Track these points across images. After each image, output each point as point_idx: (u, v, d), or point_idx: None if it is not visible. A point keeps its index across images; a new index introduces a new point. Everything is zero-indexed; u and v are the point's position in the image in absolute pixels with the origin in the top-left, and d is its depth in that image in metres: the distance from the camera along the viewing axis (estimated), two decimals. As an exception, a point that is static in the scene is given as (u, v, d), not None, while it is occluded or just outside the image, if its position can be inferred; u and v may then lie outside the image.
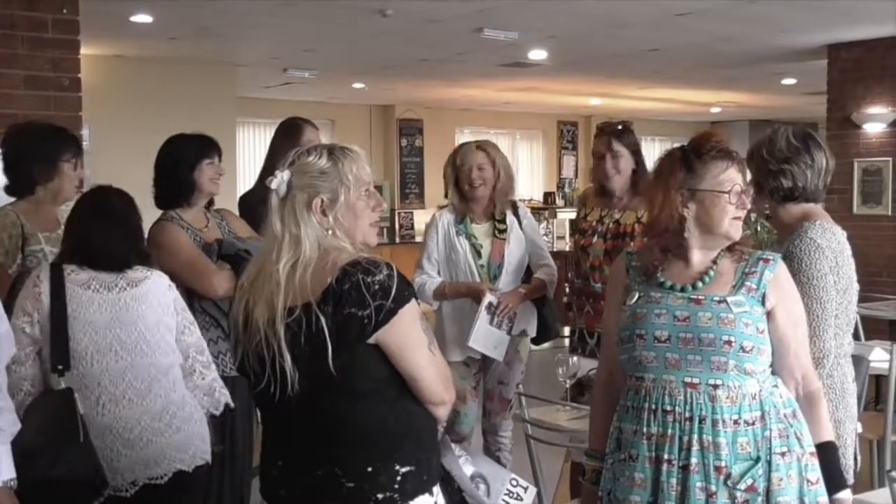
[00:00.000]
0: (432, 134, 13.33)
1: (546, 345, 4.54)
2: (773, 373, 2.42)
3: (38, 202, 3.38)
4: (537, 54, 8.77)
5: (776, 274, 2.42)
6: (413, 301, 2.13)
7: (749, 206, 2.48)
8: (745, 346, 2.33)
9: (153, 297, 2.97)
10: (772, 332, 2.39)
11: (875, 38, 8.06)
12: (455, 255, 4.19)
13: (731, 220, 2.43)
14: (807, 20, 7.46)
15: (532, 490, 2.59)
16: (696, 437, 2.33)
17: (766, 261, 2.44)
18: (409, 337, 2.13)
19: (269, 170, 4.18)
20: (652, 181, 2.54)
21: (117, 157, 7.20)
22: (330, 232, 2.15)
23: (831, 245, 2.96)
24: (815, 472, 2.36)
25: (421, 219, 12.04)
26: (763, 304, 2.39)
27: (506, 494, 2.45)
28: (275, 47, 8.51)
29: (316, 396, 2.10)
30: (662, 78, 10.62)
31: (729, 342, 2.33)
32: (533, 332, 4.27)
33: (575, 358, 3.73)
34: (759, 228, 7.80)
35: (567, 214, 11.63)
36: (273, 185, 2.16)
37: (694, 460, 2.32)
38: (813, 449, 2.38)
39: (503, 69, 9.62)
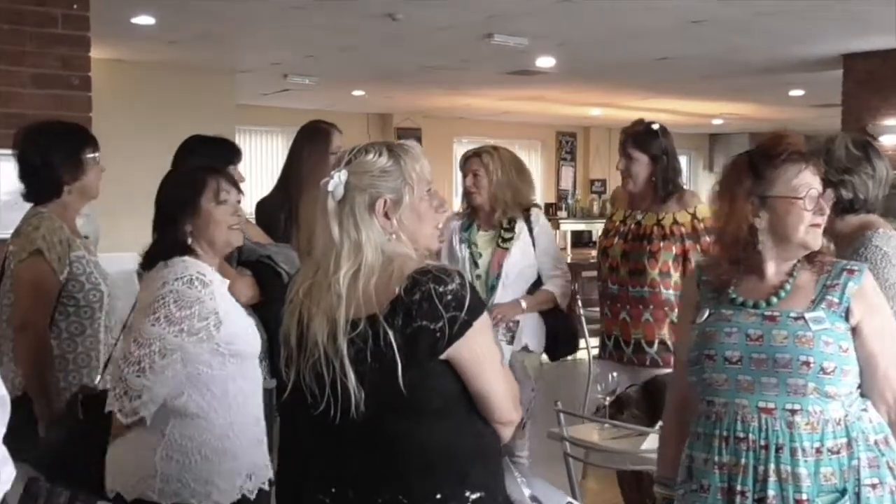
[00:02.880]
0: (430, 143, 13.12)
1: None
2: (861, 395, 2.22)
3: (66, 205, 3.19)
4: (545, 62, 8.64)
5: (861, 286, 2.21)
6: (486, 313, 1.94)
7: (828, 212, 2.30)
8: (825, 368, 2.13)
9: None
10: (858, 350, 2.18)
11: (892, 49, 7.95)
12: (454, 262, 4.01)
13: (809, 228, 2.23)
14: (823, 30, 7.35)
15: (592, 512, 2.44)
16: (772, 466, 2.13)
17: (851, 272, 2.22)
18: (482, 351, 1.93)
19: (290, 176, 4.02)
20: (718, 191, 2.35)
21: (117, 162, 6.98)
22: (393, 236, 1.96)
23: None
24: None
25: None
26: (847, 319, 2.19)
27: (562, 518, 2.30)
28: (276, 53, 8.35)
29: (381, 417, 1.89)
30: (668, 88, 10.50)
31: (807, 363, 2.13)
32: (538, 348, 4.06)
33: (615, 373, 3.54)
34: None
35: (570, 226, 11.49)
36: (329, 187, 1.94)
37: (771, 492, 2.13)
38: None
39: (508, 77, 9.49)
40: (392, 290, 1.87)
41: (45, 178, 3.14)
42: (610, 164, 14.89)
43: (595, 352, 4.55)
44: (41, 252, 3.04)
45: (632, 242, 3.86)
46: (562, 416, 3.40)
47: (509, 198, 4.03)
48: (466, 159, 4.13)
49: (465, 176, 4.11)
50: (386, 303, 1.87)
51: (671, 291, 3.73)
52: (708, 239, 3.73)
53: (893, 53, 8.00)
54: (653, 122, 3.89)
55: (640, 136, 3.83)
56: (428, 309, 1.85)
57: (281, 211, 3.91)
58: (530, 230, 4.03)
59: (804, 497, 2.11)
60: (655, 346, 3.76)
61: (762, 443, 2.15)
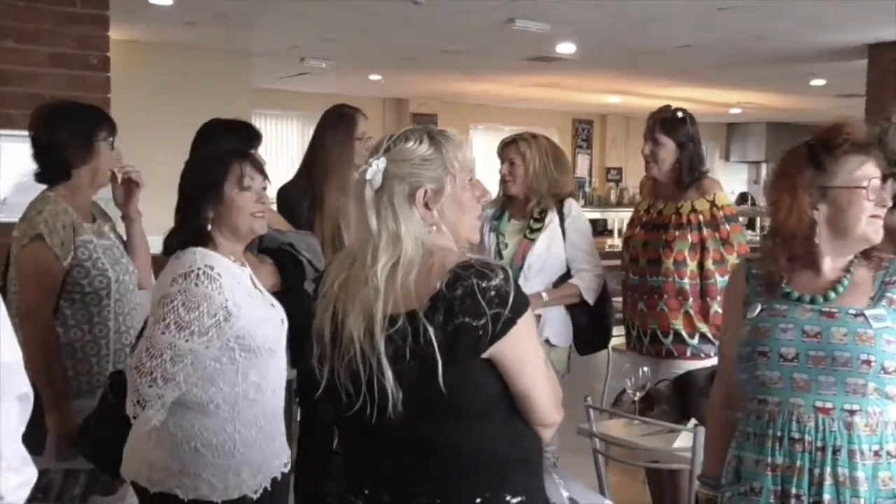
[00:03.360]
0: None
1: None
2: None
3: (75, 188, 3.08)
4: (565, 48, 8.51)
5: None
6: (529, 310, 1.85)
7: (890, 203, 2.21)
8: (886, 367, 2.05)
9: None
10: None
11: (919, 39, 7.81)
12: (482, 251, 3.92)
13: (870, 220, 2.15)
14: (849, 18, 7.21)
15: (630, 514, 2.36)
16: (829, 469, 2.06)
17: None
18: (526, 350, 1.85)
19: (314, 162, 3.92)
20: (775, 182, 2.26)
21: (133, 144, 6.92)
22: (433, 228, 1.87)
23: None
24: None
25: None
26: None
27: (600, 521, 2.23)
28: (294, 35, 8.23)
29: (419, 417, 1.81)
30: (688, 76, 10.37)
31: (868, 362, 2.05)
32: (562, 342, 3.95)
33: (646, 368, 3.46)
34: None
35: (587, 214, 11.32)
36: (367, 176, 1.85)
37: (827, 496, 2.05)
38: None
39: (527, 63, 9.38)
40: (433, 285, 1.79)
41: (54, 159, 3.03)
42: (626, 152, 14.86)
43: (615, 342, 4.48)
44: (42, 237, 2.94)
45: (651, 232, 3.82)
46: (591, 411, 3.31)
47: (545, 188, 3.93)
48: (504, 146, 4.03)
49: (501, 163, 4.02)
50: (426, 298, 1.78)
51: (686, 281, 3.69)
52: (727, 227, 3.68)
53: (921, 43, 7.87)
54: (679, 109, 3.82)
55: (667, 122, 3.77)
56: (470, 305, 1.76)
57: (304, 198, 3.82)
58: (562, 221, 3.93)
59: (861, 501, 2.04)
60: (671, 336, 3.71)
61: (819, 444, 2.08)
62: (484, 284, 1.77)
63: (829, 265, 2.19)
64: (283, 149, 11.82)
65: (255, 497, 2.57)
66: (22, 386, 1.65)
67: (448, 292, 1.77)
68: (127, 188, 3.29)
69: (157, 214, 3.40)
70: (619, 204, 13.55)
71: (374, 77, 10.77)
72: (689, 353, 3.68)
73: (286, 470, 2.70)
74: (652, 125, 3.79)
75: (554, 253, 3.90)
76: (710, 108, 13.52)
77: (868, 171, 2.14)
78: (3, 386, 1.60)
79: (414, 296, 1.79)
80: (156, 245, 3.35)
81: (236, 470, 2.53)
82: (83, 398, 2.98)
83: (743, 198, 14.74)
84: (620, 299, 4.01)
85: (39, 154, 3.05)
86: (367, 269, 1.82)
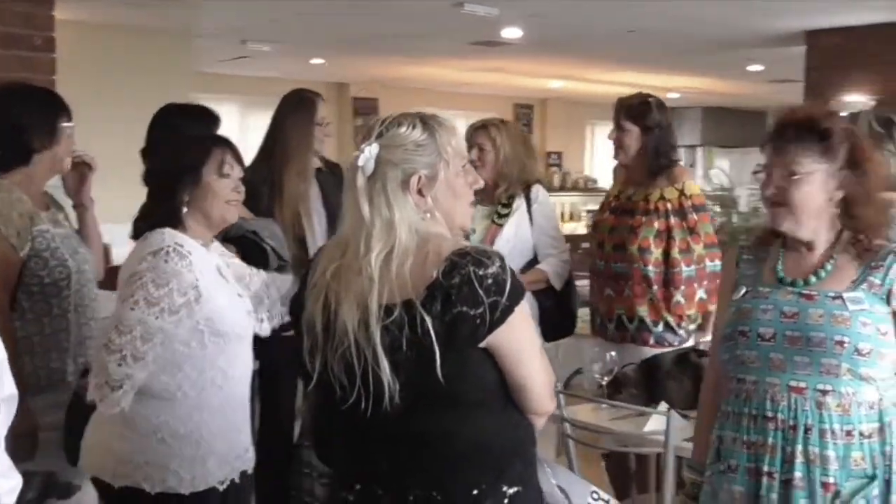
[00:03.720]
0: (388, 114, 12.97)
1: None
2: None
3: (32, 174, 2.96)
4: (512, 32, 8.49)
5: None
6: (525, 298, 1.83)
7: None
8: (860, 349, 2.08)
9: None
10: None
11: (856, 25, 7.95)
12: None
13: None
14: (788, 5, 7.33)
15: (614, 503, 2.37)
16: (800, 448, 2.09)
17: None
18: (523, 339, 1.84)
19: (273, 148, 3.85)
20: None
21: (79, 129, 6.75)
22: (427, 215, 1.84)
23: None
24: None
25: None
26: (888, 302, 2.13)
27: (589, 509, 2.23)
28: (237, 16, 8.07)
29: (416, 409, 1.79)
30: (630, 61, 10.43)
31: (841, 343, 2.08)
32: None
33: (613, 353, 3.47)
34: (734, 219, 7.67)
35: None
36: (360, 162, 1.82)
37: (798, 474, 2.08)
38: None
39: (472, 48, 9.33)
40: (429, 274, 1.76)
41: (14, 144, 2.91)
42: (567, 137, 14.92)
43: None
44: None
45: (619, 217, 3.83)
46: (562, 397, 3.31)
47: (515, 174, 3.93)
48: (474, 131, 4.00)
49: (469, 149, 3.98)
50: (422, 287, 1.76)
51: (651, 268, 3.71)
52: (695, 216, 3.71)
53: (856, 30, 8.00)
54: (649, 95, 3.83)
55: (632, 108, 3.78)
56: (468, 294, 1.74)
57: (264, 184, 3.75)
58: (529, 207, 3.93)
59: (831, 480, 2.07)
60: (635, 322, 3.73)
61: (791, 423, 2.11)
62: (481, 272, 1.75)
63: (817, 249, 2.22)
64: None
65: (221, 489, 2.52)
66: (8, 387, 1.59)
67: (445, 281, 1.75)
68: (80, 173, 3.19)
69: (100, 201, 3.31)
70: (563, 188, 13.64)
71: (317, 61, 10.64)
72: (652, 341, 3.72)
73: (252, 464, 2.66)
74: (618, 111, 3.80)
75: (521, 238, 3.90)
76: (650, 93, 13.64)
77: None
78: None
79: (410, 285, 1.76)
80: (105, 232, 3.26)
81: (203, 460, 2.48)
82: (43, 394, 2.87)
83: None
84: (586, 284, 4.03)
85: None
86: (360, 258, 1.79)
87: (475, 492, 1.81)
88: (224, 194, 2.57)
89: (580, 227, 12.53)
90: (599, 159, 15.91)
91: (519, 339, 1.82)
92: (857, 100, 7.98)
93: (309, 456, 3.35)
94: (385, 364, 1.75)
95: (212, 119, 3.46)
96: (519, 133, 4.03)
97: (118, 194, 3.47)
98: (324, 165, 3.99)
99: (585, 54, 9.86)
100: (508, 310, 1.77)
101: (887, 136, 2.85)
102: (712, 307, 3.67)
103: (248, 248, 3.23)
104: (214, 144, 2.60)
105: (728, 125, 14.88)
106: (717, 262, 3.75)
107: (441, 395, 1.77)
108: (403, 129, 1.85)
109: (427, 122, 1.87)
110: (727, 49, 9.33)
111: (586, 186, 14.47)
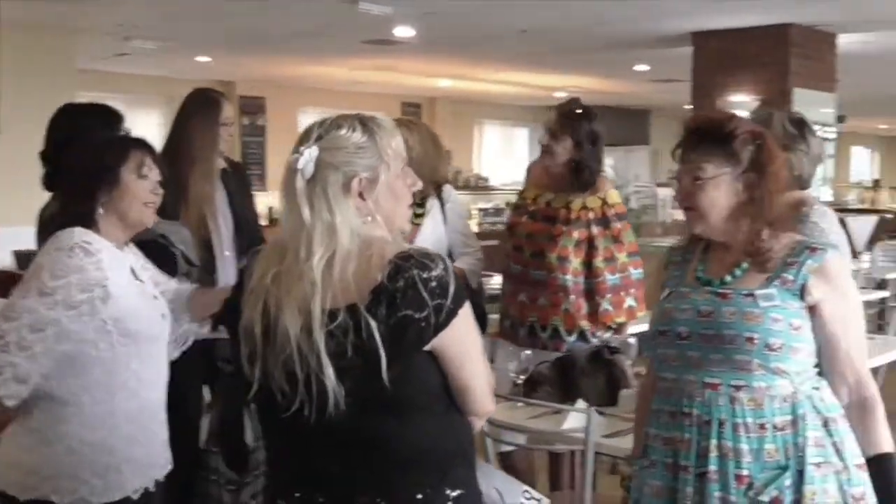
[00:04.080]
0: (275, 113, 12.79)
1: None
2: (820, 375, 2.22)
3: None
4: (405, 31, 8.48)
5: (822, 264, 2.17)
6: (467, 300, 1.82)
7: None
8: (771, 344, 2.12)
9: None
10: (817, 330, 2.17)
11: (739, 28, 8.23)
12: None
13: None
14: (676, 7, 7.54)
15: (546, 501, 2.39)
16: (714, 442, 2.13)
17: (813, 250, 2.19)
18: (467, 341, 1.83)
19: (176, 149, 3.73)
20: None
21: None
22: (369, 218, 1.80)
23: (833, 229, 2.84)
24: (859, 487, 2.14)
25: (261, 200, 11.48)
26: (802, 297, 2.16)
27: (522, 508, 2.24)
28: (121, 12, 7.80)
29: (361, 415, 1.74)
30: (520, 61, 10.57)
31: (751, 339, 2.12)
32: None
33: (528, 351, 3.48)
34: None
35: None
36: (299, 165, 1.76)
37: (712, 467, 2.13)
38: (860, 461, 2.16)
39: (364, 46, 9.28)
40: (373, 277, 1.73)
41: None
42: (456, 135, 14.99)
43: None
44: None
45: (539, 223, 3.77)
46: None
47: (427, 174, 3.88)
48: None
49: None
50: (367, 291, 1.72)
51: (569, 277, 3.67)
52: (618, 225, 3.70)
53: (741, 32, 8.29)
54: (583, 105, 3.73)
55: (567, 117, 3.69)
56: (412, 297, 1.71)
57: (167, 186, 3.63)
58: (442, 206, 3.90)
59: (745, 472, 2.11)
60: (548, 331, 3.71)
61: (705, 418, 2.15)
62: (425, 275, 1.72)
63: (734, 248, 2.25)
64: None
65: (135, 497, 2.44)
66: None
67: (390, 284, 1.71)
68: None
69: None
70: (455, 187, 13.65)
71: (203, 59, 10.40)
72: (564, 350, 3.68)
73: (167, 471, 2.58)
74: (553, 117, 3.70)
75: (438, 238, 3.87)
76: (536, 92, 13.83)
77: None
78: None
79: (353, 289, 1.72)
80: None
81: (117, 468, 2.39)
82: None
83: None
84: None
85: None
86: (301, 262, 1.74)
87: (419, 496, 1.78)
88: (142, 196, 2.48)
89: (472, 226, 12.60)
90: (488, 158, 16.08)
91: (463, 341, 1.80)
92: (741, 100, 8.26)
93: (216, 462, 3.27)
94: (330, 370, 1.70)
95: (117, 118, 3.33)
96: (429, 133, 3.98)
97: None
98: (228, 165, 3.89)
99: (476, 53, 9.93)
100: (453, 312, 1.75)
101: (800, 137, 2.92)
102: (641, 314, 3.74)
103: (156, 252, 3.12)
104: (133, 146, 2.51)
105: (613, 124, 15.18)
106: (640, 270, 3.75)
107: (386, 400, 1.73)
108: (343, 131, 1.81)
109: (367, 124, 1.83)
110: (616, 49, 9.54)
111: (477, 185, 14.57)
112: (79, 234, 2.36)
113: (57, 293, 2.26)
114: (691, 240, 2.35)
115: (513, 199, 13.42)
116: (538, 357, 3.62)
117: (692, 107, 8.72)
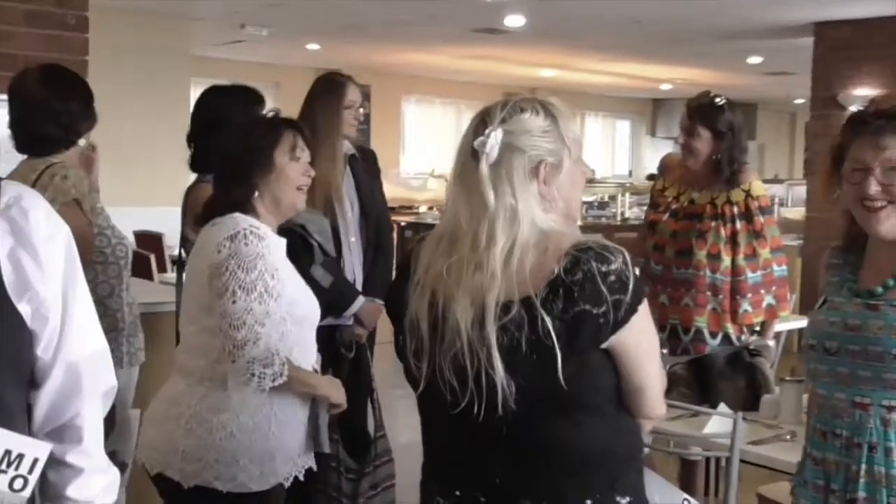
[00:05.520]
0: (379, 101, 12.80)
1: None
2: None
3: (77, 156, 2.99)
4: (515, 20, 8.37)
5: None
6: (646, 297, 1.72)
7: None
8: None
9: None
10: None
11: (864, 18, 7.90)
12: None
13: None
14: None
15: (704, 509, 2.27)
16: (864, 466, 1.97)
17: None
18: (645, 340, 1.73)
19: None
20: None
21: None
22: (550, 205, 1.72)
23: None
24: None
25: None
26: None
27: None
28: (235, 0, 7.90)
29: (533, 415, 1.66)
30: (627, 52, 10.36)
31: None
32: None
33: (664, 350, 3.36)
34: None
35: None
36: (487, 148, 1.68)
37: (862, 494, 1.97)
38: None
39: (471, 35, 9.21)
40: (549, 269, 1.63)
41: (66, 126, 2.86)
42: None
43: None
44: (79, 203, 2.78)
45: (683, 221, 3.60)
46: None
47: None
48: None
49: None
50: (542, 283, 1.63)
51: (718, 276, 3.49)
52: (761, 219, 3.49)
53: (865, 22, 7.95)
54: (718, 95, 3.57)
55: (704, 110, 3.53)
56: (591, 291, 1.61)
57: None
58: None
59: None
60: (691, 334, 3.52)
61: (855, 440, 2.00)
62: (604, 268, 1.63)
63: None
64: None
65: (286, 485, 2.43)
66: (109, 379, 1.50)
67: (567, 277, 1.62)
68: (86, 157, 3.11)
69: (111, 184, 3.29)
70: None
71: (312, 46, 10.47)
72: (706, 353, 3.50)
73: (311, 459, 2.54)
74: (688, 113, 3.55)
75: None
76: (641, 84, 13.59)
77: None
78: (89, 380, 1.44)
79: (529, 281, 1.63)
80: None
81: (271, 454, 2.37)
82: None
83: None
84: None
85: (46, 120, 2.85)
86: (480, 251, 1.66)
87: (588, 502, 1.70)
88: (295, 179, 2.44)
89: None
90: (589, 150, 15.85)
91: (641, 339, 1.70)
92: (865, 93, 7.93)
93: (336, 449, 3.24)
94: (499, 366, 1.62)
95: (259, 99, 3.35)
96: None
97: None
98: (357, 152, 3.85)
99: (583, 43, 9.77)
100: (632, 309, 1.65)
101: None
102: (783, 314, 3.56)
103: (294, 241, 3.11)
104: (286, 127, 2.47)
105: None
106: (785, 267, 3.57)
107: (559, 400, 1.64)
108: (527, 114, 1.72)
109: (548, 109, 1.75)
110: (732, 39, 9.27)
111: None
112: (242, 219, 2.34)
113: (257, 285, 2.26)
114: (854, 240, 2.14)
115: (615, 192, 13.21)
116: (670, 359, 3.49)
117: (810, 100, 8.41)
